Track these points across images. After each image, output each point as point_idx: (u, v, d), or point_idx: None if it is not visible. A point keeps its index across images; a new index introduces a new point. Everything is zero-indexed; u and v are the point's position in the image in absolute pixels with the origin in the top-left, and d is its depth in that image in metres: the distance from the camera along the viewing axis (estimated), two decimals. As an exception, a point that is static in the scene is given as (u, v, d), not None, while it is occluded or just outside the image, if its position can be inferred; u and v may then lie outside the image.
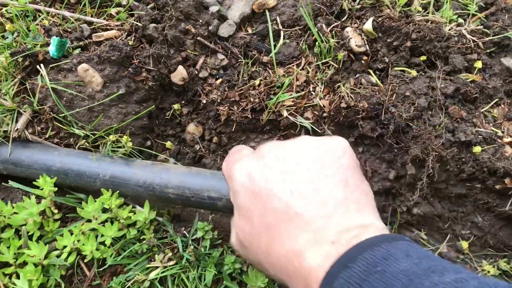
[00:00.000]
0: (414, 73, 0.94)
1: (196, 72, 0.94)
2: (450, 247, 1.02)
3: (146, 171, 0.83)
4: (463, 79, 0.93)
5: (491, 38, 0.96)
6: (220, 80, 0.95)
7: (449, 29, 0.95)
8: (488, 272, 1.00)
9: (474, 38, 0.95)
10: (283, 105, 0.93)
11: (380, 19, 0.94)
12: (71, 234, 0.82)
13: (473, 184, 0.96)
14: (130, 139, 0.92)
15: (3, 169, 0.87)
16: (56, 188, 0.81)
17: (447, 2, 0.98)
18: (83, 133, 0.88)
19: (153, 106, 0.94)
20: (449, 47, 0.94)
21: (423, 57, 0.95)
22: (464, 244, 1.01)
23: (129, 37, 0.92)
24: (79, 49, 0.91)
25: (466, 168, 0.93)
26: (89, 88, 0.89)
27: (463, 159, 0.92)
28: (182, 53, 0.94)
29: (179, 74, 0.92)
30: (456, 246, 1.02)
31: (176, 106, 0.96)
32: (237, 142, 0.98)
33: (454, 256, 1.01)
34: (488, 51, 0.97)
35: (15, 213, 0.81)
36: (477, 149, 0.92)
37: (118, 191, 0.82)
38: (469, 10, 0.99)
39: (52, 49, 0.86)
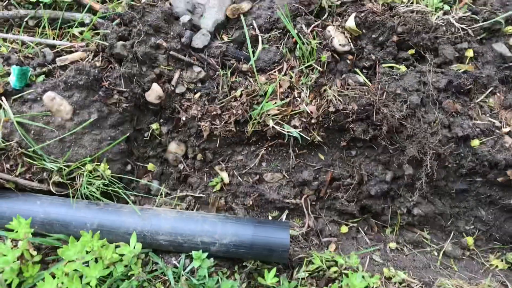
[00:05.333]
0: (403, 68, 0.89)
1: (172, 88, 0.88)
2: (455, 245, 0.98)
3: (135, 218, 0.81)
4: (455, 71, 0.88)
5: (480, 24, 0.90)
6: (198, 94, 0.89)
7: (436, 18, 0.89)
8: (497, 266, 0.96)
9: (463, 26, 0.89)
10: (268, 115, 0.87)
11: (362, 14, 0.88)
12: (53, 277, 0.76)
13: (474, 178, 0.91)
14: (108, 167, 0.86)
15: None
16: (33, 230, 0.75)
17: (431, -11, 0.93)
18: (56, 166, 0.82)
19: (128, 132, 0.88)
20: (438, 37, 0.89)
21: (411, 51, 0.89)
22: (469, 240, 0.97)
23: (96, 58, 0.86)
24: (43, 76, 0.84)
25: (466, 163, 0.88)
26: (58, 117, 0.82)
27: (462, 154, 0.88)
28: (155, 69, 0.87)
29: (154, 92, 0.86)
30: (461, 243, 0.98)
31: (154, 126, 0.90)
32: (222, 157, 0.93)
33: (460, 254, 0.97)
34: (479, 37, 0.91)
35: (-10, 261, 0.75)
36: (475, 142, 0.87)
37: (100, 234, 0.77)
38: (454, -5, 0.93)
39: (13, 80, 0.80)
